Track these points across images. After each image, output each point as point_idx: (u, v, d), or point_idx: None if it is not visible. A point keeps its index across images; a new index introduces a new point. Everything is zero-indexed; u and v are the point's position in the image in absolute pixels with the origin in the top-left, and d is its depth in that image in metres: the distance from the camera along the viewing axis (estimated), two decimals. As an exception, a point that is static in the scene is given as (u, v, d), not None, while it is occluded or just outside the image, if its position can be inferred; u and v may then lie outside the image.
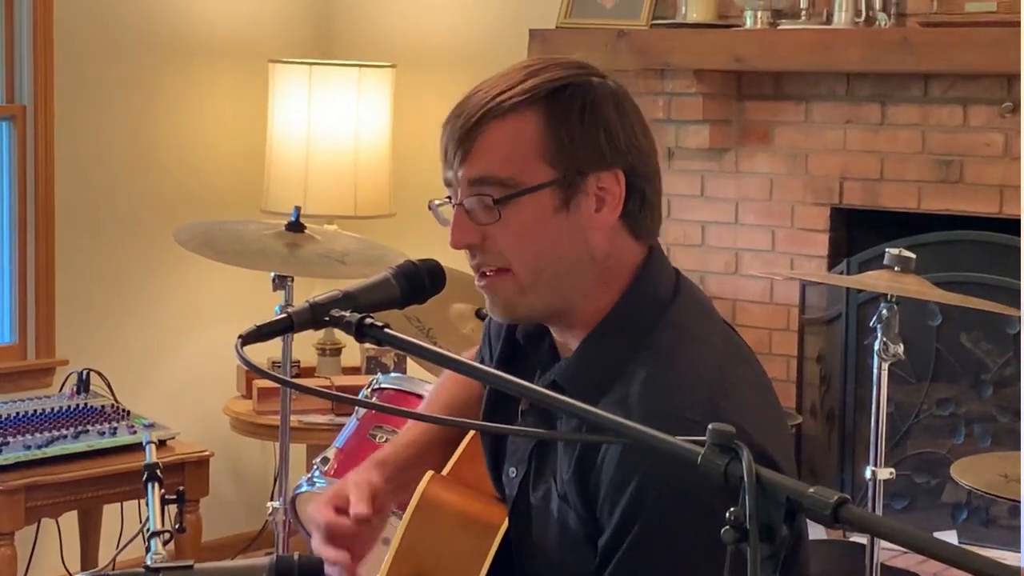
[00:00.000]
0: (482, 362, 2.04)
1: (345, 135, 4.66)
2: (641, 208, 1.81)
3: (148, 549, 2.68)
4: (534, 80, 1.78)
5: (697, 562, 1.64)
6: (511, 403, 1.91)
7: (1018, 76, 3.80)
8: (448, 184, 1.82)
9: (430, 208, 1.87)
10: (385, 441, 3.08)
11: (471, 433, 2.08)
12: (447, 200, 1.83)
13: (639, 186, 1.80)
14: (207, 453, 4.08)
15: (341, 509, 1.93)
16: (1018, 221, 3.89)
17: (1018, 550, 3.84)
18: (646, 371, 1.75)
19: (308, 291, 3.00)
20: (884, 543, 3.10)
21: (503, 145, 1.76)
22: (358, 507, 1.90)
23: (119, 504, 4.06)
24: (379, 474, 1.98)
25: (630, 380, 1.75)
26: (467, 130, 1.77)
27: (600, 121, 1.77)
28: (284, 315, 1.64)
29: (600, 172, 1.77)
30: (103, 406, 4.07)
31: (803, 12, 4.24)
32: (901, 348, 3.18)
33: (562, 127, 1.76)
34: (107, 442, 3.91)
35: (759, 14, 4.26)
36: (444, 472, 2.03)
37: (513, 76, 1.79)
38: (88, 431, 3.92)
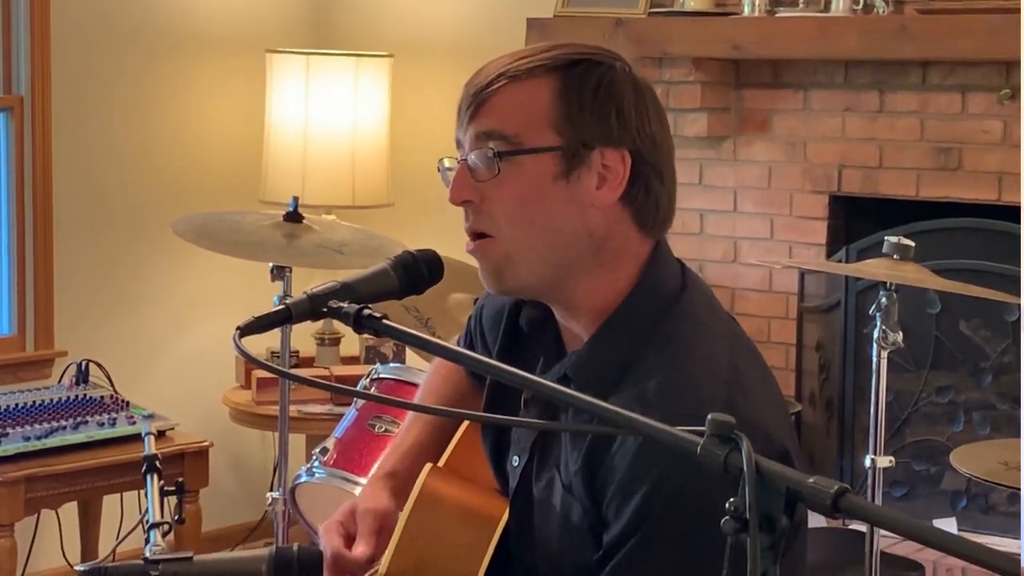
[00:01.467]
0: (469, 349, 2.04)
1: (343, 125, 4.66)
2: (646, 197, 1.80)
3: (148, 540, 2.68)
4: (556, 51, 1.81)
5: (704, 566, 1.63)
6: (514, 391, 1.91)
7: (1016, 63, 3.79)
8: (459, 145, 1.83)
9: (439, 169, 1.87)
10: (384, 431, 3.09)
11: (464, 425, 2.07)
12: (458, 162, 1.83)
13: (644, 173, 1.80)
14: (206, 444, 4.08)
15: (349, 536, 1.94)
16: (1017, 208, 3.88)
17: (1017, 537, 3.84)
18: (662, 366, 1.75)
19: (306, 281, 2.99)
20: (884, 531, 3.10)
21: (514, 105, 1.78)
22: (360, 547, 1.91)
23: (119, 495, 4.06)
24: (388, 491, 1.99)
25: (646, 375, 1.75)
26: (481, 88, 1.79)
27: (614, 99, 1.79)
28: (282, 306, 1.64)
29: (606, 148, 1.78)
30: (102, 397, 4.07)
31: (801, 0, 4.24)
32: (900, 336, 3.18)
33: (574, 97, 1.77)
34: (106, 433, 3.91)
35: (757, 2, 4.26)
36: (441, 462, 2.03)
37: (538, 47, 1.83)
38: (87, 422, 3.92)
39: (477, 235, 1.81)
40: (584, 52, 1.81)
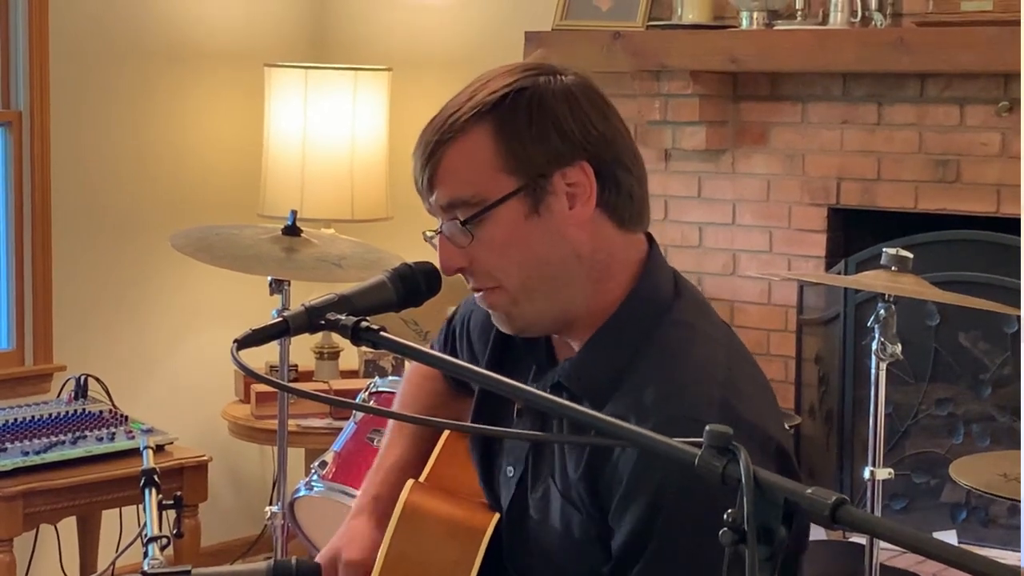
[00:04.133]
0: (452, 353, 2.04)
1: (341, 138, 4.66)
2: (618, 194, 1.80)
3: (146, 554, 2.67)
4: (480, 95, 1.78)
5: (717, 564, 1.62)
6: (505, 401, 1.91)
7: (1014, 75, 3.80)
8: (431, 214, 1.83)
9: (425, 240, 1.87)
10: (383, 445, 3.08)
11: (445, 434, 2.07)
12: (436, 231, 1.83)
13: (610, 173, 1.79)
14: (205, 458, 4.07)
15: None
16: (1015, 220, 3.89)
17: (1017, 549, 3.84)
18: (658, 372, 1.75)
19: (305, 295, 2.99)
20: (883, 543, 3.10)
21: (461, 166, 1.76)
22: None
23: (118, 509, 4.06)
24: (373, 523, 2.00)
25: (642, 382, 1.74)
26: (427, 158, 1.78)
27: (548, 119, 1.76)
28: (280, 319, 1.64)
29: (563, 169, 1.77)
30: (101, 411, 4.06)
31: (799, 12, 4.24)
32: (899, 348, 3.18)
33: (512, 134, 1.76)
34: (105, 447, 3.90)
35: (755, 15, 4.26)
36: (423, 475, 2.02)
37: (462, 96, 1.80)
38: (86, 437, 3.92)
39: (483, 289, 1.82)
40: (505, 83, 1.78)
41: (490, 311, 1.84)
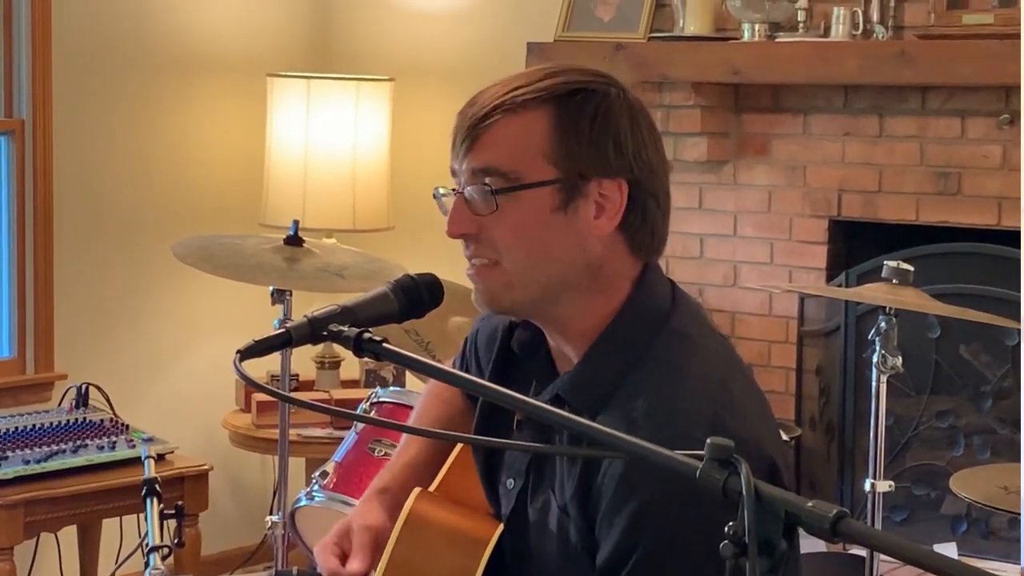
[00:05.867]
0: (465, 371, 2.04)
1: (343, 148, 4.66)
2: (643, 223, 1.81)
3: (147, 564, 2.68)
4: (551, 80, 1.80)
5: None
6: (506, 414, 1.91)
7: (1015, 88, 3.80)
8: (453, 174, 1.83)
9: (435, 196, 1.87)
10: (384, 455, 3.08)
11: (459, 445, 2.07)
12: (452, 191, 1.83)
13: (641, 200, 1.80)
14: (206, 467, 4.07)
15: (344, 555, 1.94)
16: (1016, 233, 3.89)
17: (1018, 562, 3.84)
18: (651, 385, 1.75)
19: (307, 305, 3.00)
20: (884, 556, 3.10)
21: (510, 139, 1.77)
22: (355, 563, 1.91)
23: (118, 518, 4.05)
24: (381, 508, 1.99)
25: (634, 394, 1.75)
26: (477, 120, 1.78)
27: (610, 129, 1.78)
28: (282, 330, 1.64)
29: (603, 179, 1.78)
30: (102, 420, 4.07)
31: (800, 25, 4.25)
32: (899, 360, 3.18)
33: (570, 129, 1.77)
34: (106, 456, 3.90)
35: (757, 27, 4.27)
36: (433, 485, 2.03)
37: (533, 75, 1.82)
38: (87, 445, 3.92)
39: (479, 263, 1.82)
40: (579, 80, 1.80)
41: (477, 285, 1.83)
